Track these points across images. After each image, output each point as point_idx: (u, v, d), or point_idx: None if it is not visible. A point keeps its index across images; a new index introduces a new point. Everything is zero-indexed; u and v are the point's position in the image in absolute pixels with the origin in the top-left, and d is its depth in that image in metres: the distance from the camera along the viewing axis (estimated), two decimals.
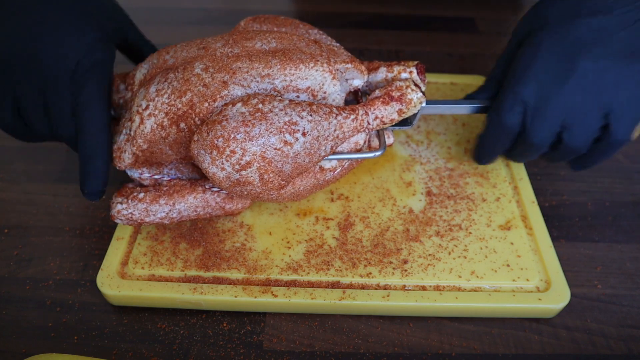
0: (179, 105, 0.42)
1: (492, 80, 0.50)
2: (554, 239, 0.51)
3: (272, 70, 0.42)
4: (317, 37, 0.49)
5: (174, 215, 0.45)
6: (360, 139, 0.46)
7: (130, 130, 0.43)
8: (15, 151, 0.59)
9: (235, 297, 0.44)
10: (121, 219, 0.45)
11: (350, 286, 0.45)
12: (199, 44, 0.45)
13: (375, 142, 0.48)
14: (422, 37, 0.81)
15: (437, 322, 0.45)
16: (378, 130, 0.47)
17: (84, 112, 0.43)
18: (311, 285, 0.45)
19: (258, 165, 0.39)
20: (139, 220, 0.45)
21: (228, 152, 0.39)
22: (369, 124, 0.44)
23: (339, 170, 0.47)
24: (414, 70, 0.46)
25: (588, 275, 0.49)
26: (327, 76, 0.43)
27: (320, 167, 0.46)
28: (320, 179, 0.46)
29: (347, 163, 0.47)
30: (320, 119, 0.41)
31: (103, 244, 0.49)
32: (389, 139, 0.49)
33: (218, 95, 0.41)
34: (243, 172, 0.40)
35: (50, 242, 0.50)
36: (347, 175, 0.54)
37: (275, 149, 0.39)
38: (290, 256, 0.47)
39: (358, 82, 0.47)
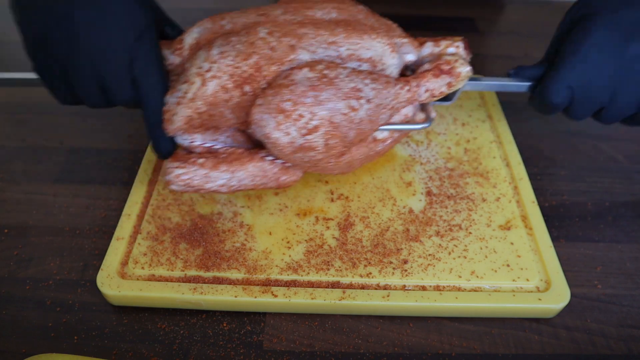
0: (245, 68, 0.41)
1: (543, 62, 0.51)
2: (554, 239, 0.51)
3: (338, 38, 0.43)
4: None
5: (234, 183, 0.44)
6: (409, 111, 0.47)
7: (186, 92, 0.42)
8: (15, 151, 0.59)
9: (235, 297, 0.44)
10: (178, 185, 0.44)
11: (350, 286, 0.45)
12: (257, 11, 0.45)
13: (418, 117, 0.48)
14: (423, 37, 0.81)
15: (437, 322, 0.45)
16: (422, 105, 0.48)
17: (145, 79, 0.42)
18: (311, 285, 0.45)
19: (325, 130, 0.40)
20: (197, 187, 0.44)
21: (295, 116, 0.39)
22: (419, 95, 0.45)
23: (389, 141, 0.47)
24: (461, 45, 0.47)
25: (588, 275, 0.49)
26: (387, 48, 0.44)
27: (374, 137, 0.46)
28: (372, 149, 0.47)
29: (396, 134, 0.48)
30: (381, 87, 0.42)
31: (103, 244, 0.49)
32: (432, 113, 0.49)
33: (286, 59, 0.42)
34: (309, 137, 0.40)
35: (50, 242, 0.50)
36: (347, 175, 0.54)
37: (342, 114, 0.40)
38: (290, 256, 0.47)
39: (411, 57, 0.47)
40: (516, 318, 0.45)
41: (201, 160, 0.44)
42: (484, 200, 0.52)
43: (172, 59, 0.46)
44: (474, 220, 0.50)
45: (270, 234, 0.49)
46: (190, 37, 0.46)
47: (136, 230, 0.49)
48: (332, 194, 0.52)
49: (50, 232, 0.51)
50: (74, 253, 0.49)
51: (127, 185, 0.55)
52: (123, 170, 0.57)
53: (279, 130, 0.40)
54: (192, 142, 0.45)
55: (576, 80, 0.46)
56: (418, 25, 0.84)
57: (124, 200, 0.53)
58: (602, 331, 0.45)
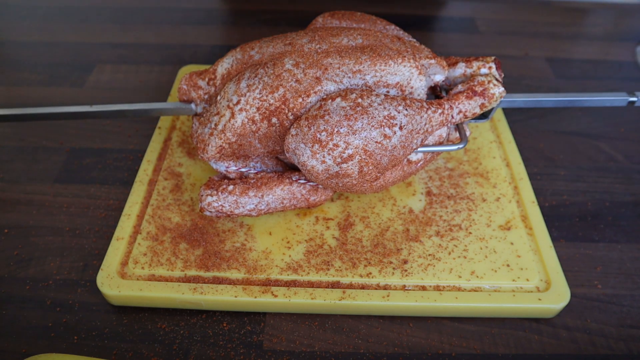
0: (272, 101, 0.43)
1: None
2: (554, 239, 0.51)
3: (363, 66, 0.43)
4: (395, 32, 0.50)
5: (262, 207, 0.46)
6: (443, 132, 0.47)
7: (217, 124, 0.44)
8: (15, 151, 0.59)
9: (235, 297, 0.44)
10: (211, 211, 0.46)
11: (350, 286, 0.45)
12: (284, 40, 0.46)
13: (452, 136, 0.49)
14: (422, 37, 0.81)
15: (437, 322, 0.45)
16: (457, 124, 0.48)
17: None
18: (311, 285, 0.45)
19: (359, 158, 0.41)
20: (228, 212, 0.46)
21: (331, 146, 0.40)
22: (452, 117, 0.46)
23: (421, 162, 0.48)
24: (493, 66, 0.47)
25: (588, 275, 0.49)
26: (414, 72, 0.45)
27: (408, 159, 0.47)
28: (406, 171, 0.47)
29: (429, 155, 0.48)
30: (414, 113, 0.43)
31: (103, 244, 0.49)
32: (467, 132, 0.49)
33: (312, 91, 0.42)
34: (344, 165, 0.41)
35: (50, 242, 0.50)
36: None
37: (376, 142, 0.41)
38: (290, 256, 0.47)
39: (439, 77, 0.48)
40: (516, 318, 0.45)
41: (231, 187, 0.46)
42: (484, 200, 0.52)
43: (208, 88, 0.47)
44: (474, 220, 0.50)
45: (270, 234, 0.49)
46: (221, 68, 0.47)
47: (136, 230, 0.49)
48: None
49: (50, 232, 0.51)
50: (74, 253, 0.49)
51: (127, 185, 0.55)
52: (123, 170, 0.57)
53: (314, 159, 0.41)
54: (227, 167, 0.47)
55: None
56: (418, 25, 0.84)
57: (124, 200, 0.53)
58: (602, 331, 0.45)
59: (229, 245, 0.47)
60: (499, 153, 0.58)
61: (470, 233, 0.49)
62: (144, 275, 0.45)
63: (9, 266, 0.48)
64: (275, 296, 0.44)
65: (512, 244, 0.48)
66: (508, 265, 0.47)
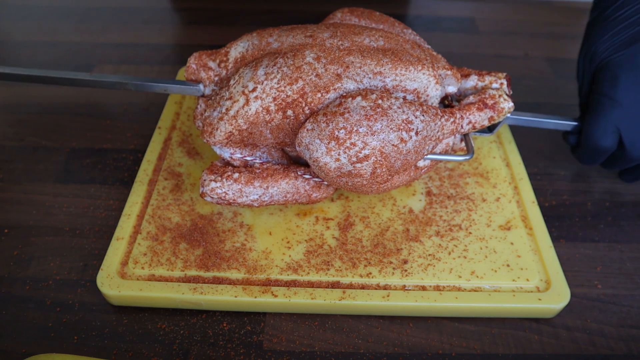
0: (289, 93, 0.42)
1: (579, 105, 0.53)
2: (554, 239, 0.51)
3: (384, 69, 0.43)
4: (412, 37, 0.51)
5: (266, 198, 0.46)
6: (451, 141, 0.48)
7: (228, 109, 0.43)
8: (15, 151, 0.59)
9: (235, 297, 0.44)
10: (212, 197, 0.45)
11: (350, 286, 0.45)
12: (304, 31, 0.46)
13: (457, 146, 0.50)
14: (422, 37, 0.81)
15: (437, 322, 0.45)
16: (464, 135, 0.49)
17: None
18: (311, 285, 0.45)
19: (375, 159, 0.41)
20: (230, 200, 0.45)
21: (348, 144, 0.40)
22: (462, 127, 0.46)
23: (426, 169, 0.49)
24: (505, 82, 0.48)
25: (588, 275, 0.49)
26: (432, 80, 0.45)
27: (416, 165, 0.47)
28: (412, 176, 0.48)
29: (434, 162, 0.49)
30: (429, 119, 0.43)
31: (103, 244, 0.49)
32: (473, 143, 0.50)
33: (332, 87, 0.42)
34: (358, 165, 0.41)
35: (50, 242, 0.50)
36: None
37: (392, 145, 0.41)
38: (290, 256, 0.47)
39: (452, 89, 0.48)
40: (516, 318, 0.45)
41: (236, 175, 0.45)
42: (484, 200, 0.52)
43: (218, 70, 0.46)
44: (474, 220, 0.50)
45: (270, 234, 0.49)
46: (235, 51, 0.47)
47: (136, 230, 0.49)
48: None
49: (50, 232, 0.51)
50: (74, 253, 0.49)
51: (127, 185, 0.55)
52: (123, 170, 0.57)
53: (329, 156, 0.41)
54: (232, 154, 0.46)
55: (619, 118, 0.47)
56: (418, 25, 0.84)
57: (124, 200, 0.53)
58: (602, 331, 0.45)
59: (229, 245, 0.47)
60: (499, 153, 0.58)
61: (470, 233, 0.49)
62: (144, 275, 0.45)
63: (9, 266, 0.48)
64: (275, 296, 0.44)
65: (512, 244, 0.48)
66: (508, 265, 0.47)
